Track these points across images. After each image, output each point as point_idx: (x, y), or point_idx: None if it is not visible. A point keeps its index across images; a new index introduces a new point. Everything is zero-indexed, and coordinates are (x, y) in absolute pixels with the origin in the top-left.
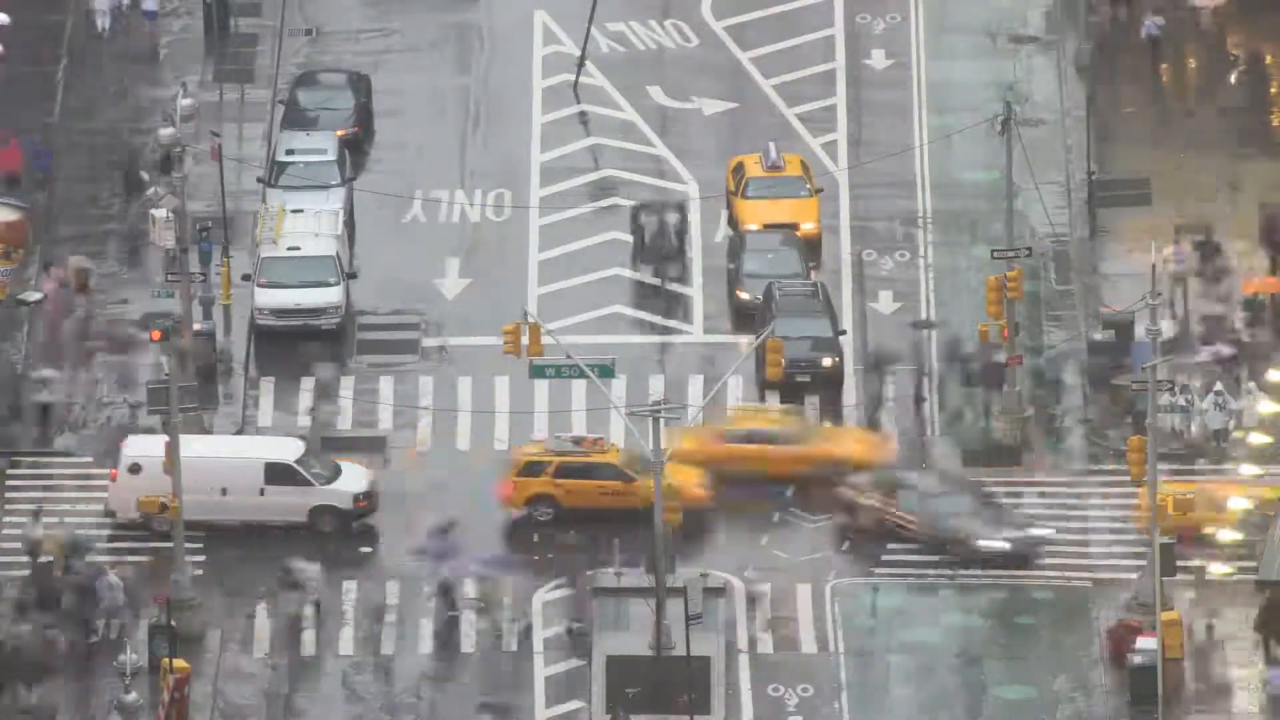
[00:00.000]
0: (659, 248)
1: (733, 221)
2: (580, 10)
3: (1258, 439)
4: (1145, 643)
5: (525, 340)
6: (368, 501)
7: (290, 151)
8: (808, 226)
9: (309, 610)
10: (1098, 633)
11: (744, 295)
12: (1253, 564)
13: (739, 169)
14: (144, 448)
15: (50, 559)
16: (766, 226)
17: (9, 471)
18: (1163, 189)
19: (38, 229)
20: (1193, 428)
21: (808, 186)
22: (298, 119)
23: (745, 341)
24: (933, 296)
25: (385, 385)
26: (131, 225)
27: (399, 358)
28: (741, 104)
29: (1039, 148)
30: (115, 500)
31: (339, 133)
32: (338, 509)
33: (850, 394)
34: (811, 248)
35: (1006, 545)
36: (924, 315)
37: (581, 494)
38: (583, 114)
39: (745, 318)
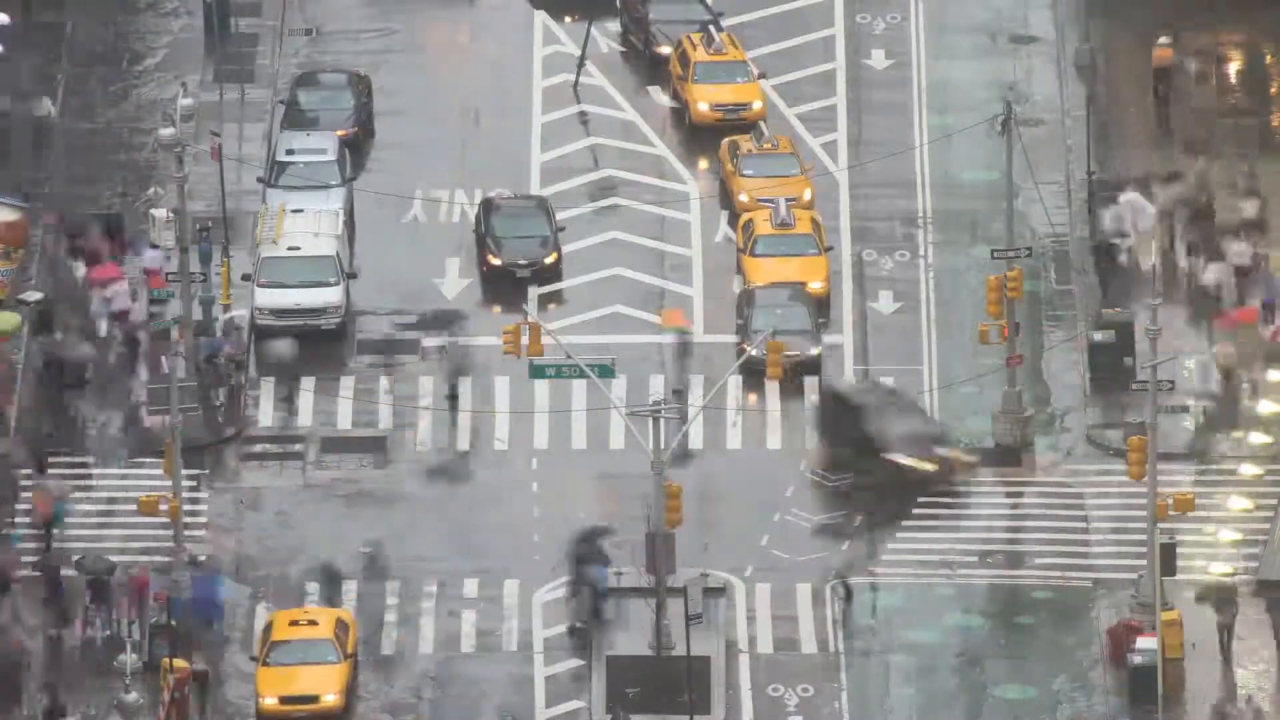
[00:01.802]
0: None
1: (742, 279)
2: (580, 10)
3: (1258, 439)
4: (1145, 643)
5: (525, 340)
6: None
7: (290, 151)
8: (815, 285)
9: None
10: (1098, 633)
11: (751, 351)
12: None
13: (748, 225)
14: None
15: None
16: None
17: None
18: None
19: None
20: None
21: (817, 245)
22: (298, 119)
23: (743, 343)
24: (933, 296)
25: (385, 385)
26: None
27: (399, 358)
28: None
29: (1039, 148)
30: None
31: (339, 133)
32: None
33: None
34: (820, 305)
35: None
36: (925, 316)
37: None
38: (583, 114)
39: (755, 374)
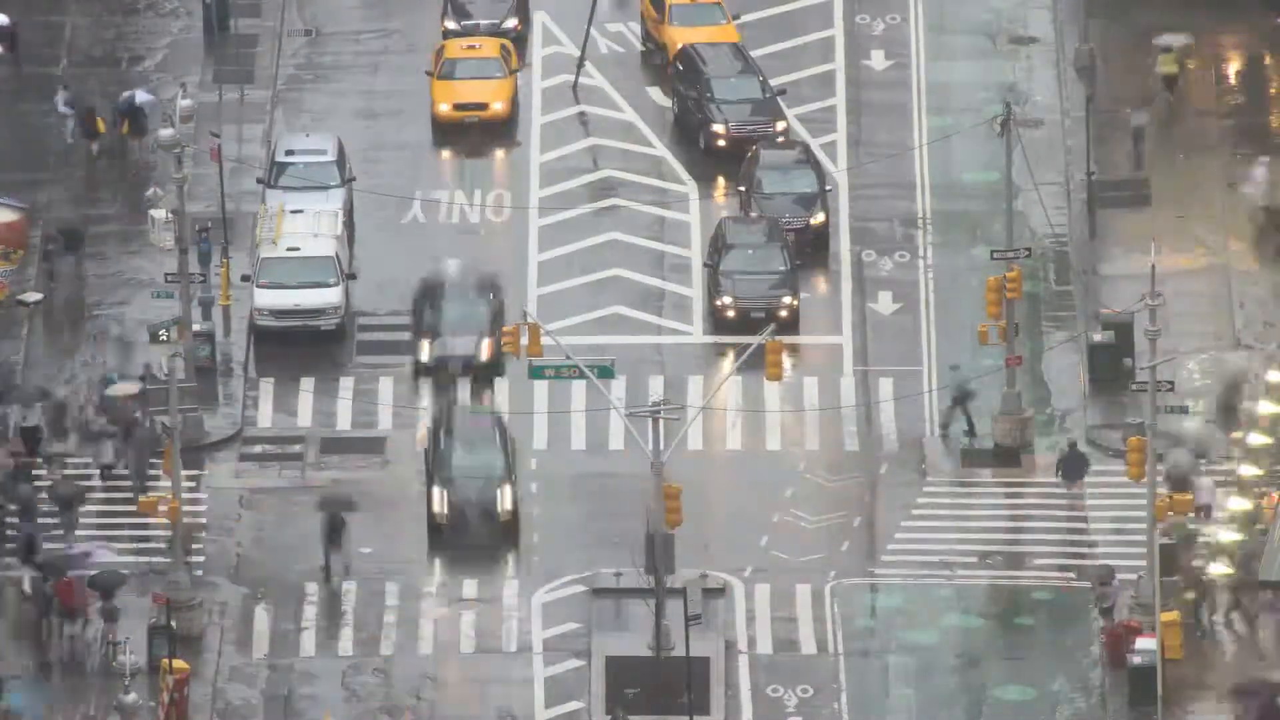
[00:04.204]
0: None
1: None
2: (580, 10)
3: (1257, 439)
4: (1145, 643)
5: (525, 340)
6: None
7: (290, 152)
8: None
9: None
10: (1098, 633)
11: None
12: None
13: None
14: None
15: None
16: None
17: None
18: (1163, 189)
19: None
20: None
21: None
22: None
23: (738, 342)
24: (932, 297)
25: (385, 386)
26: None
27: (398, 358)
28: None
29: (1039, 148)
30: None
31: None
32: None
33: (849, 395)
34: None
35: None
36: (925, 317)
37: None
38: (583, 114)
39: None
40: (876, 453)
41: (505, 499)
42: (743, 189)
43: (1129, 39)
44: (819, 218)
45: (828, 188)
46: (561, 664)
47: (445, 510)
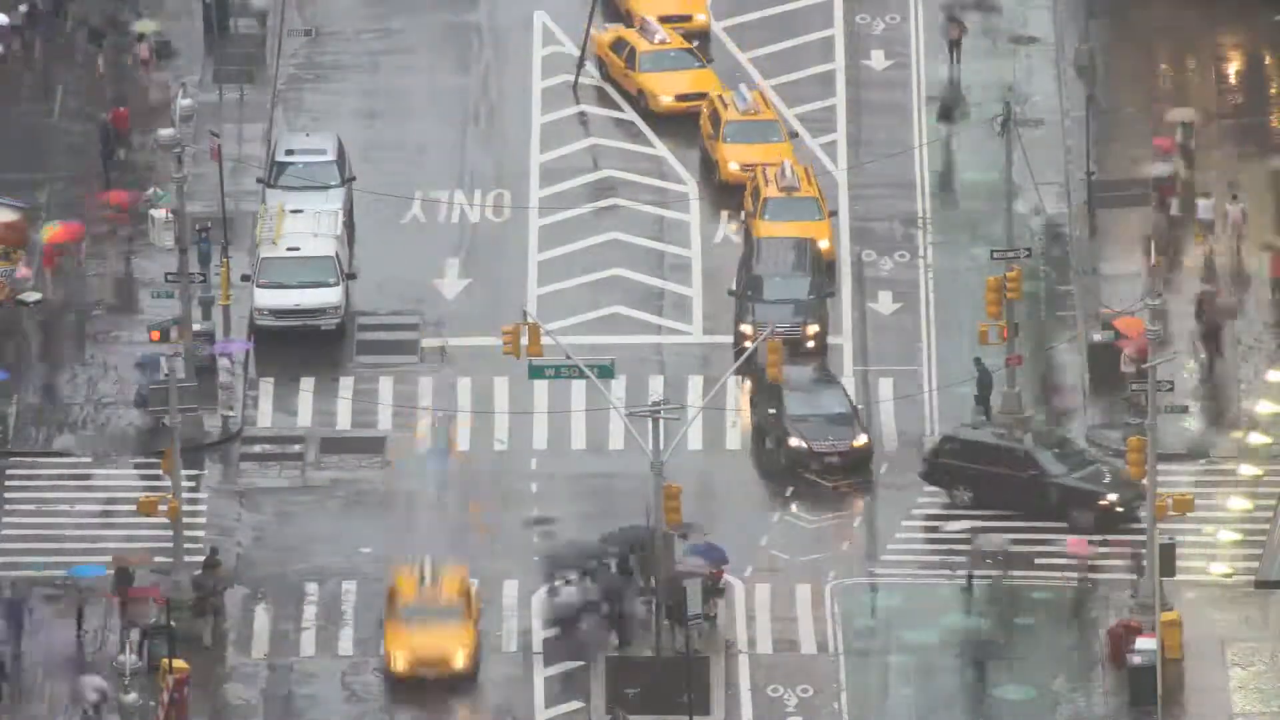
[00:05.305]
0: None
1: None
2: (579, 10)
3: (1257, 439)
4: (1145, 643)
5: (524, 341)
6: None
7: (290, 152)
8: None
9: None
10: (1098, 633)
11: (747, 329)
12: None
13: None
14: None
15: None
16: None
17: (8, 471)
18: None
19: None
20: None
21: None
22: None
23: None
24: (932, 297)
25: (385, 386)
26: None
27: (398, 358)
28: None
29: (1039, 148)
30: None
31: None
32: None
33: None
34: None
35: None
36: (924, 317)
37: None
38: (582, 114)
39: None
40: (876, 453)
41: None
42: (772, 411)
43: (1130, 38)
44: (861, 439)
45: (859, 405)
46: (561, 664)
47: None
